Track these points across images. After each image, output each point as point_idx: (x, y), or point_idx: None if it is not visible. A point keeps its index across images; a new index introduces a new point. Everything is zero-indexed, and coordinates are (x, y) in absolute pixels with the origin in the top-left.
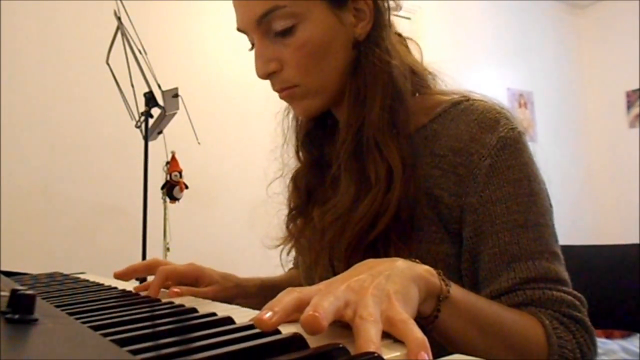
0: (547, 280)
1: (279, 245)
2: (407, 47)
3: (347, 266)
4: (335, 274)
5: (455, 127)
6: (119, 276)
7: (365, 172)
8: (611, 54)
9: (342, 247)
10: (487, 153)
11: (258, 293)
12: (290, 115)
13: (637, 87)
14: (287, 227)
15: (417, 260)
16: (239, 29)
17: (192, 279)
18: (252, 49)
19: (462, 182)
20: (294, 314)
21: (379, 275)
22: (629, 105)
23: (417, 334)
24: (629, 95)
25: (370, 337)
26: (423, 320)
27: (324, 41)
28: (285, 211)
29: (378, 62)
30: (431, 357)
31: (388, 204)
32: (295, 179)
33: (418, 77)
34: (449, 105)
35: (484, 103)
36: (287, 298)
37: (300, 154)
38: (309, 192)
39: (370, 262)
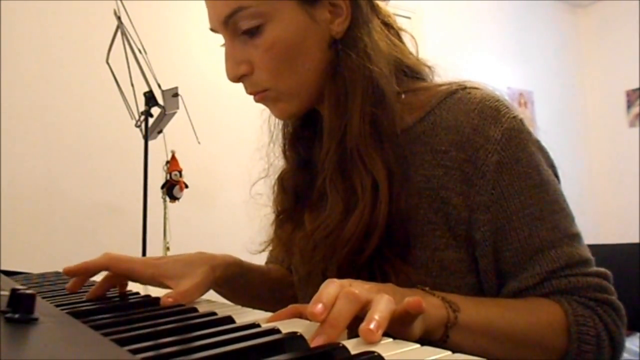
0: (571, 266)
1: (263, 250)
2: (400, 40)
3: None
4: None
5: (453, 118)
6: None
7: (352, 185)
8: (611, 53)
9: (334, 269)
10: (493, 148)
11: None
12: None
13: (637, 86)
14: (275, 231)
15: (427, 288)
16: (211, 29)
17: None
18: (223, 44)
19: (470, 180)
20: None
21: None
22: (629, 105)
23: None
24: (629, 94)
25: (379, 308)
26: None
27: (294, 41)
28: (270, 213)
29: (356, 66)
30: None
31: (377, 221)
32: (282, 180)
33: (412, 72)
34: (444, 95)
35: (480, 91)
36: (331, 291)
37: (288, 154)
38: (297, 195)
39: (389, 285)
